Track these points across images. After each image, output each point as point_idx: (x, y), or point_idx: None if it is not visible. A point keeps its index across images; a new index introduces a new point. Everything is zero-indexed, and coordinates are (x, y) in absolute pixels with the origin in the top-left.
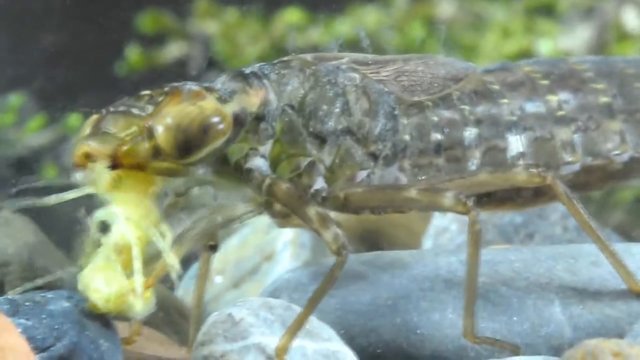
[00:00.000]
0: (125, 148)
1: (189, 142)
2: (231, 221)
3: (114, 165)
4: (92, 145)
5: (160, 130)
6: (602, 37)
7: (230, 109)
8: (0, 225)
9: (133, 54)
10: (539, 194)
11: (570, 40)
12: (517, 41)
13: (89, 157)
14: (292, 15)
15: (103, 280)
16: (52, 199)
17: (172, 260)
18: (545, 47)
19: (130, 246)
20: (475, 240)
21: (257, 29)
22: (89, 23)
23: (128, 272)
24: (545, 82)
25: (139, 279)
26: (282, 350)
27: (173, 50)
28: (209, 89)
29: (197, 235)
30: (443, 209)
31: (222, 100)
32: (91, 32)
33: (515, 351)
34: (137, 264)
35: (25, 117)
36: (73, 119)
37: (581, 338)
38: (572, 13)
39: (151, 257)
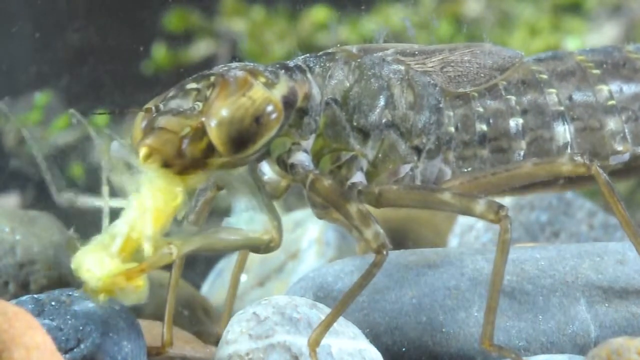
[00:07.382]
0: (181, 149)
1: (243, 138)
2: (233, 248)
3: (168, 165)
4: (152, 143)
5: (213, 129)
6: (629, 35)
7: (279, 92)
8: (25, 224)
9: (159, 52)
10: (579, 179)
11: (597, 38)
12: (544, 39)
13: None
14: (319, 14)
15: (96, 261)
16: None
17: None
18: (572, 44)
19: (131, 233)
20: (504, 249)
21: (284, 28)
22: (115, 21)
23: (126, 256)
24: (597, 71)
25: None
26: (315, 343)
27: (200, 49)
28: (254, 73)
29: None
30: (475, 215)
31: (269, 84)
32: (117, 30)
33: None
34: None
35: (51, 116)
36: (99, 117)
37: (606, 336)
38: (599, 11)
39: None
